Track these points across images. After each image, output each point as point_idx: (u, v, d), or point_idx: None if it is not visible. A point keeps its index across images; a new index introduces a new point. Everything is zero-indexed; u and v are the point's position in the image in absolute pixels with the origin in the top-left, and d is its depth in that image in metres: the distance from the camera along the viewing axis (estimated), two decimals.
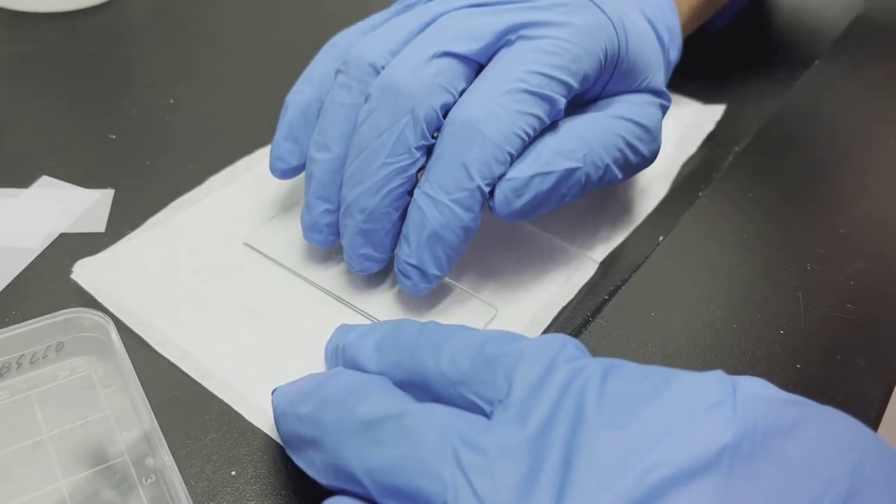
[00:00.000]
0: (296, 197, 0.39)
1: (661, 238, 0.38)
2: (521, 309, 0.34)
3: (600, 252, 0.37)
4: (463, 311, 0.34)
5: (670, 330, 0.33)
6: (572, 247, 0.37)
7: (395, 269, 0.33)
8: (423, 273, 0.32)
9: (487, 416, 0.22)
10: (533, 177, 0.31)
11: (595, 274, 0.36)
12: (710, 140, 0.45)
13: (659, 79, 0.36)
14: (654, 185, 0.41)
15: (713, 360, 0.32)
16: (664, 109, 0.37)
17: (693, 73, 0.46)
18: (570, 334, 0.34)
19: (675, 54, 0.40)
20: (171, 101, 0.45)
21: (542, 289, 0.35)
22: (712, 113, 0.47)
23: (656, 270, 0.36)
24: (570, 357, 0.22)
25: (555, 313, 0.34)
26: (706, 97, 0.48)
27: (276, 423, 0.27)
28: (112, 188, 0.39)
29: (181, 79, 0.47)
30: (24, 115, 0.44)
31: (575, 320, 0.34)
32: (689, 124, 0.46)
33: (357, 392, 0.24)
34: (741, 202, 0.40)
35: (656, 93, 0.36)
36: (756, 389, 0.21)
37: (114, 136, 0.42)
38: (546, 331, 0.34)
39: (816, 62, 0.49)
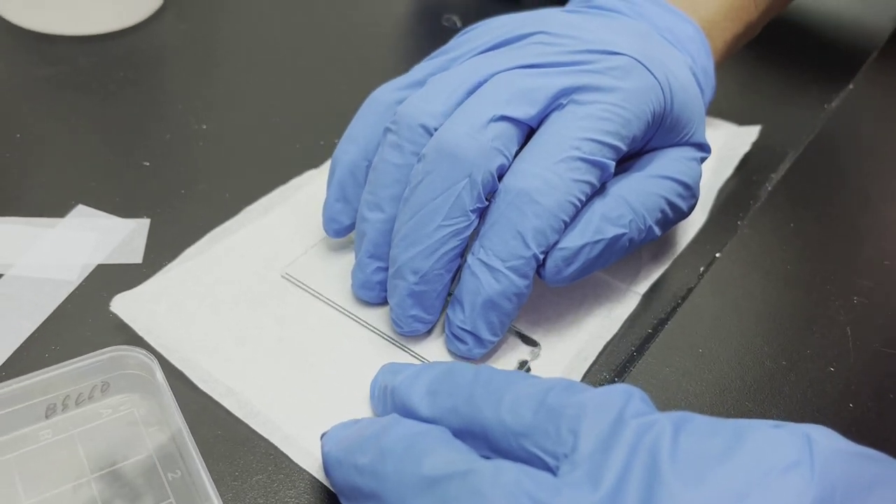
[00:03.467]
0: None
1: (701, 269, 0.37)
2: (564, 344, 0.34)
3: (642, 284, 0.37)
4: (506, 346, 0.34)
5: (719, 367, 0.32)
6: (614, 280, 0.37)
7: (448, 332, 0.33)
8: (478, 339, 0.32)
9: (552, 470, 0.22)
10: (583, 246, 0.31)
11: (637, 306, 0.36)
12: (745, 164, 0.45)
13: (701, 132, 0.36)
14: (692, 213, 0.41)
15: (765, 400, 0.31)
16: (703, 161, 0.37)
17: (725, 94, 0.46)
18: (616, 369, 0.33)
19: (709, 95, 0.40)
20: (204, 127, 0.45)
21: (584, 323, 0.35)
22: (747, 135, 0.46)
23: (700, 306, 0.35)
24: (637, 411, 0.22)
25: (600, 348, 0.34)
26: (738, 118, 0.48)
27: (326, 469, 0.26)
28: (147, 217, 0.39)
29: (213, 104, 0.47)
30: (56, 140, 0.43)
31: (619, 356, 0.34)
32: (723, 146, 0.45)
33: (418, 445, 0.23)
34: (782, 232, 0.39)
35: (698, 146, 0.36)
36: (831, 444, 0.20)
37: (147, 164, 0.42)
38: (591, 366, 0.33)
39: (851, 85, 0.49)
